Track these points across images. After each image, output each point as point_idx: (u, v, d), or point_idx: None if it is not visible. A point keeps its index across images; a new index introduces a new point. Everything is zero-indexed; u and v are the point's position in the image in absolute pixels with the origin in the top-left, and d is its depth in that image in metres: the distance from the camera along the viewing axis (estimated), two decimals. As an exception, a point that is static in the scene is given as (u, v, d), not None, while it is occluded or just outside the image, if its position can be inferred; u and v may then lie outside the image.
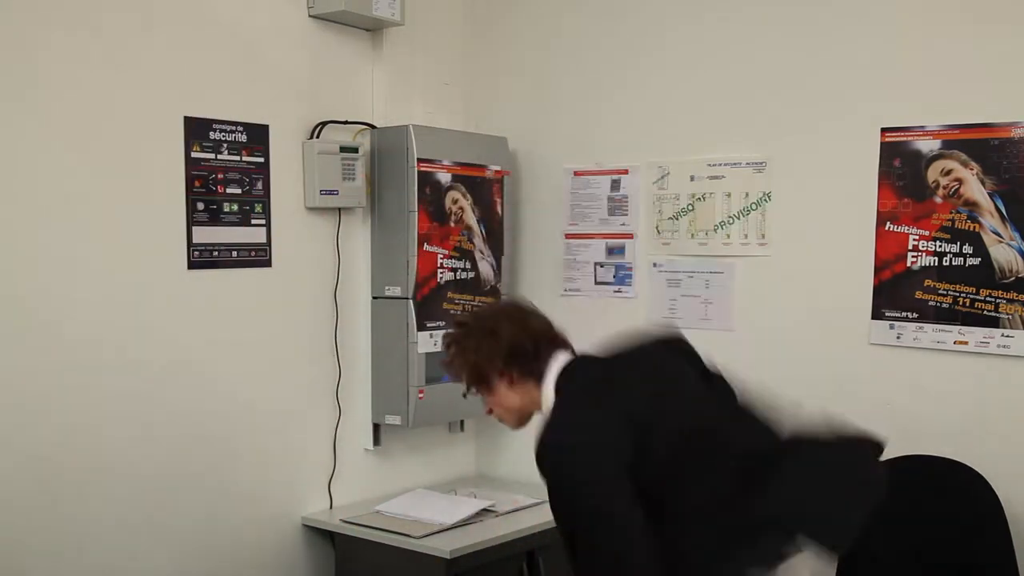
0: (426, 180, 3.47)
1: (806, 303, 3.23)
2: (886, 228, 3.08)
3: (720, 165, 3.40)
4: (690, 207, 3.46)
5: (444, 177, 3.54)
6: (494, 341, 2.21)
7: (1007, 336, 2.89)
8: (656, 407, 2.09)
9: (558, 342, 2.24)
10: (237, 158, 3.18)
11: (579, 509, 2.01)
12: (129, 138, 2.91)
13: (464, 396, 2.31)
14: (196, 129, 3.07)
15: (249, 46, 3.21)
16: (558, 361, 2.20)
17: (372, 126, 3.55)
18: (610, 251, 3.67)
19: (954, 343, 2.97)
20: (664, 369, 2.23)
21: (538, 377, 2.19)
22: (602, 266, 3.69)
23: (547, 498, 2.16)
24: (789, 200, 3.27)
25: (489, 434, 3.99)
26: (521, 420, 2.27)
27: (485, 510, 3.39)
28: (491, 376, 2.22)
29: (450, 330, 2.31)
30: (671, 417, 2.09)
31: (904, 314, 3.05)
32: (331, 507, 3.50)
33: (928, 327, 3.01)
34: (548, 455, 2.03)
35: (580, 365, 2.21)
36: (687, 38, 3.46)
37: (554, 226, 3.78)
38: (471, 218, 3.63)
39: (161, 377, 3.00)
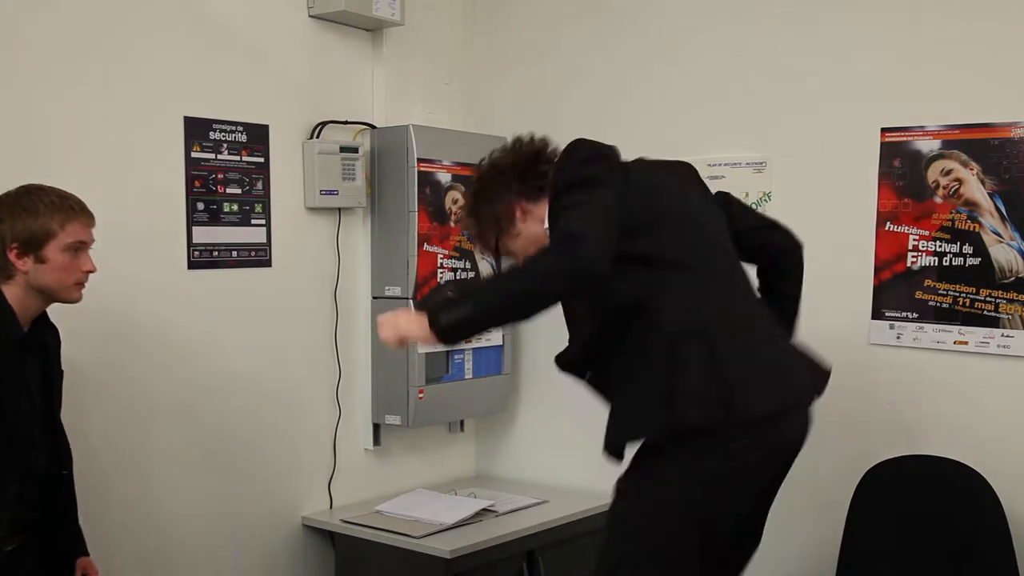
0: (426, 180, 3.47)
1: (806, 303, 3.22)
2: (886, 228, 3.08)
3: (720, 165, 3.40)
4: (690, 207, 3.46)
5: (444, 177, 3.54)
6: (500, 178, 2.28)
7: (1007, 336, 2.89)
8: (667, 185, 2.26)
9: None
10: (237, 158, 3.18)
11: (573, 190, 2.07)
12: (129, 138, 2.91)
13: (493, 259, 2.35)
14: (196, 129, 3.07)
15: (249, 46, 3.21)
16: None
17: (372, 126, 3.55)
18: (610, 251, 3.67)
19: (954, 343, 2.97)
20: (677, 169, 2.36)
21: (541, 193, 2.25)
22: (602, 266, 3.68)
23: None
24: (789, 200, 3.27)
25: (489, 434, 3.99)
26: (544, 242, 2.31)
27: (485, 510, 3.39)
28: (511, 213, 2.27)
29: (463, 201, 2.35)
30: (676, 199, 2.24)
31: (904, 314, 3.05)
32: (331, 507, 3.50)
33: (928, 327, 3.01)
34: (570, 150, 2.20)
35: None
36: (687, 38, 3.46)
37: (554, 226, 3.77)
38: (471, 218, 3.62)
39: (161, 377, 3.00)
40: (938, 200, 2.99)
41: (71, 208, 2.31)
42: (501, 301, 2.00)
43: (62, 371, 2.48)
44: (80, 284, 2.34)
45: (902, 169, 3.04)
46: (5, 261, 2.26)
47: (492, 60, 3.92)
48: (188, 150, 3.06)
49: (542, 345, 3.86)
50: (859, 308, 3.12)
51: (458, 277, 3.58)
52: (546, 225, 2.21)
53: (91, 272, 2.34)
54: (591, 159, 2.17)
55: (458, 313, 1.95)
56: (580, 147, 2.21)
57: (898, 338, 3.06)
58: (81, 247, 2.32)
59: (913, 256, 3.03)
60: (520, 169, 2.31)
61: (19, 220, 2.25)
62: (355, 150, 3.42)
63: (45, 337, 2.40)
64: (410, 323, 2.00)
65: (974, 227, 2.93)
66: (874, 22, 3.08)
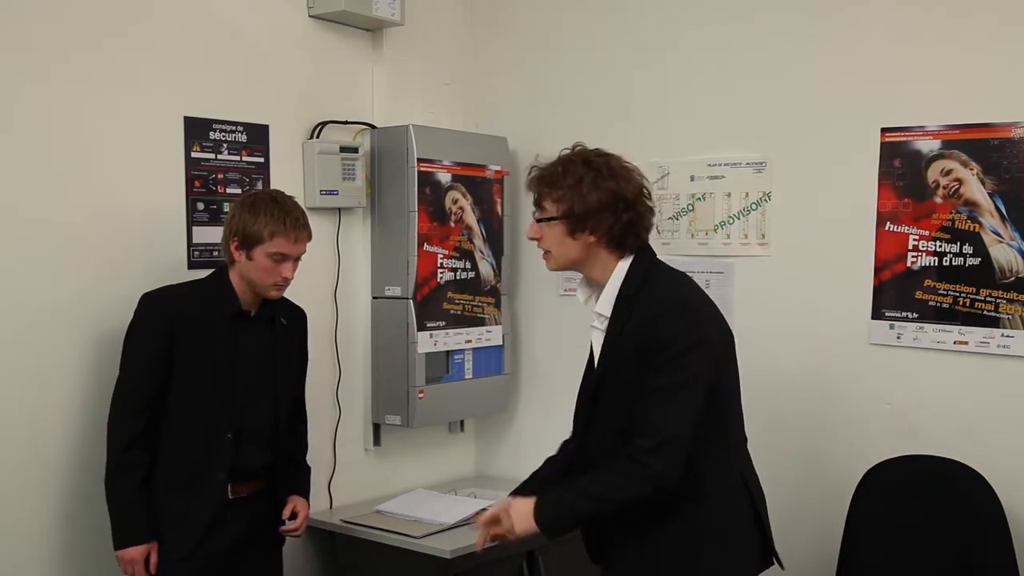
0: (426, 180, 3.47)
1: (806, 303, 3.23)
2: (886, 228, 3.08)
3: (720, 165, 3.40)
4: (690, 207, 3.46)
5: (444, 177, 3.54)
6: (621, 211, 2.21)
7: (1007, 336, 2.89)
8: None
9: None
10: (237, 158, 3.18)
11: (675, 365, 2.14)
12: (129, 138, 2.91)
13: (534, 216, 2.31)
14: (196, 129, 3.07)
15: (249, 46, 3.21)
16: (645, 250, 2.29)
17: (372, 126, 3.55)
18: (610, 251, 3.67)
19: (954, 343, 2.97)
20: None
21: (619, 254, 2.26)
22: (602, 266, 3.68)
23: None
24: (789, 200, 3.27)
25: (489, 434, 3.99)
26: (564, 267, 2.33)
27: (485, 510, 3.38)
28: (587, 227, 2.22)
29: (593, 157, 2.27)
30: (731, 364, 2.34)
31: (904, 314, 3.05)
32: (331, 507, 3.50)
33: (928, 327, 3.01)
34: (676, 309, 2.18)
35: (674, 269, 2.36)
36: (687, 38, 3.46)
37: (554, 226, 3.76)
38: (471, 218, 3.63)
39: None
40: (938, 200, 2.99)
41: (284, 224, 2.65)
42: (595, 506, 2.18)
43: (305, 350, 2.95)
44: (277, 286, 2.71)
45: (902, 169, 3.04)
46: (229, 249, 2.68)
47: (492, 60, 3.92)
48: (188, 150, 3.05)
49: (542, 345, 3.86)
50: (859, 308, 3.12)
51: (458, 278, 3.59)
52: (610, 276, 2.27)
53: (288, 279, 2.71)
54: (697, 326, 2.20)
55: (557, 513, 2.20)
56: (683, 305, 2.22)
57: (898, 338, 3.06)
58: (283, 259, 2.67)
59: (913, 256, 3.03)
60: (623, 232, 2.25)
61: (244, 218, 2.65)
62: (355, 150, 3.42)
63: (274, 315, 2.81)
64: (519, 519, 2.23)
65: (974, 227, 2.93)
66: (874, 22, 3.08)
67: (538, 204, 2.29)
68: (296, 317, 2.92)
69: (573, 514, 2.21)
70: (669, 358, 2.13)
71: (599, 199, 2.20)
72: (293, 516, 2.88)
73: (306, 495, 2.95)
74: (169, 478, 2.65)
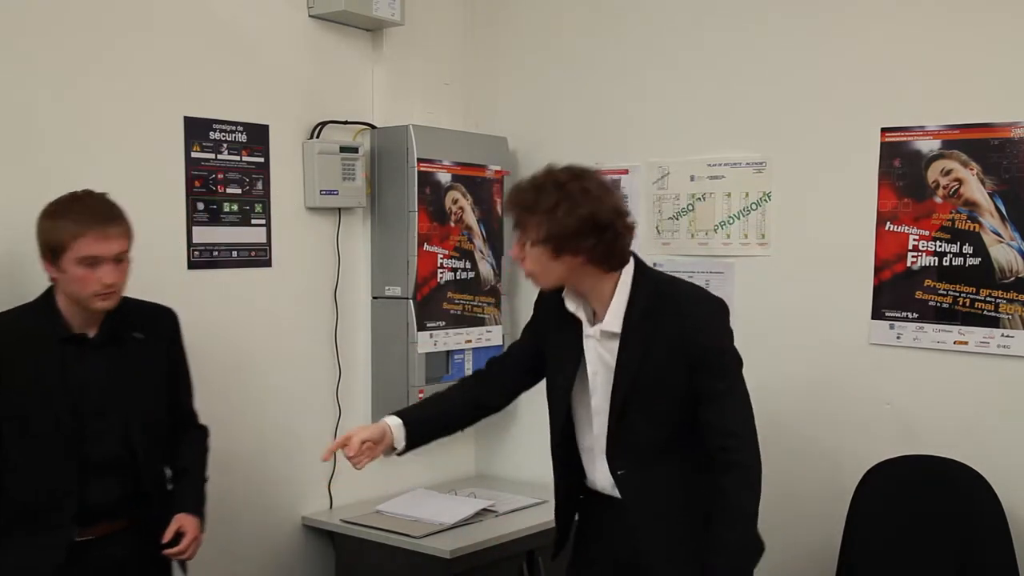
0: (426, 180, 3.47)
1: (806, 303, 3.23)
2: (886, 228, 3.08)
3: (720, 165, 3.40)
4: (690, 207, 3.46)
5: (444, 177, 3.54)
6: (600, 233, 2.20)
7: (1007, 336, 2.89)
8: None
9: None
10: (237, 158, 3.18)
11: (732, 366, 2.30)
12: (129, 138, 2.91)
13: (516, 238, 2.29)
14: (196, 129, 3.07)
15: (249, 46, 3.21)
16: (638, 263, 2.33)
17: (372, 126, 3.55)
18: (610, 251, 3.67)
19: (954, 343, 2.97)
20: None
21: (607, 269, 2.27)
22: (602, 266, 3.68)
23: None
24: (789, 200, 3.27)
25: (489, 434, 3.99)
26: (554, 285, 2.34)
27: (485, 510, 3.39)
28: (569, 250, 2.20)
29: (573, 177, 2.23)
30: None
31: (904, 314, 3.05)
32: (331, 507, 3.50)
33: (928, 327, 3.01)
34: (722, 313, 2.33)
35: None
36: (687, 38, 3.46)
37: (554, 226, 3.76)
38: (471, 218, 3.63)
39: (161, 377, 3.00)
40: (938, 200, 2.99)
41: (86, 223, 2.28)
42: (747, 532, 2.27)
43: (176, 356, 2.56)
44: (100, 296, 2.32)
45: (902, 169, 3.04)
46: (45, 267, 2.33)
47: (492, 60, 3.92)
48: (188, 150, 3.06)
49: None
50: (859, 308, 3.12)
51: (458, 278, 3.59)
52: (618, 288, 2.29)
53: (111, 285, 2.32)
54: (729, 325, 2.36)
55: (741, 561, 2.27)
56: (724, 307, 2.36)
57: (898, 338, 3.06)
58: (95, 262, 2.29)
59: (913, 256, 3.03)
60: (609, 250, 2.25)
61: (46, 229, 2.30)
62: (355, 150, 3.42)
63: (122, 334, 2.42)
64: None
65: (974, 227, 2.93)
66: (874, 22, 3.08)
67: (520, 226, 2.26)
68: (158, 325, 2.53)
69: (745, 555, 2.28)
70: (725, 361, 2.28)
71: (577, 225, 2.17)
72: (178, 539, 2.45)
73: (194, 510, 2.52)
74: (6, 526, 2.32)
